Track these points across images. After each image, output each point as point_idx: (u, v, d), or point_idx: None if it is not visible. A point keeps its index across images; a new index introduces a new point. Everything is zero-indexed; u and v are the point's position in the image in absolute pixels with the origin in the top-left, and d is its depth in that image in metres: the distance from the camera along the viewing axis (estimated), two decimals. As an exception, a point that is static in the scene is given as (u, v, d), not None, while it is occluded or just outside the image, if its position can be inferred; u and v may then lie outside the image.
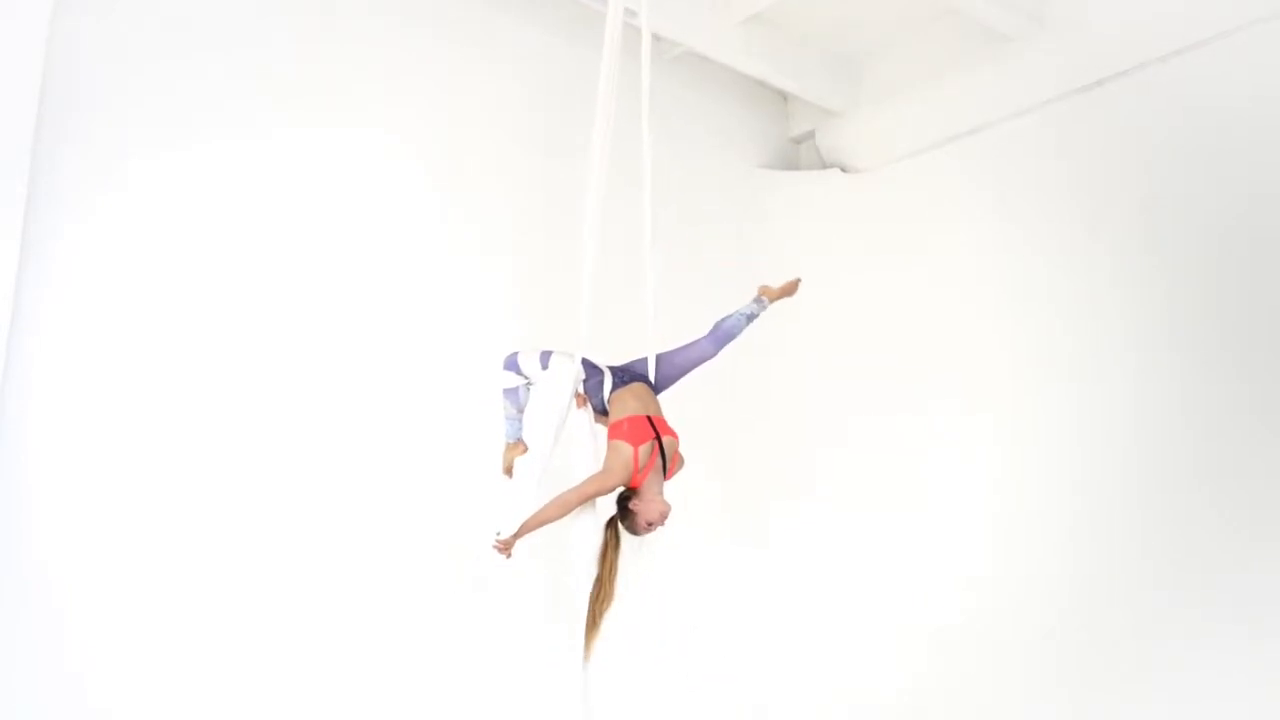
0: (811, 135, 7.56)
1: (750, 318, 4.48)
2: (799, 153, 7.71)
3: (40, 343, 4.62)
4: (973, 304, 6.60)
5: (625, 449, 3.93)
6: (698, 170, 6.96)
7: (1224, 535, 5.33)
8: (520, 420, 4.26)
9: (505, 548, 3.90)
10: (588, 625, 3.95)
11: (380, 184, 5.69)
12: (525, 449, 4.26)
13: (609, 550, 3.99)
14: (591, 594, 3.97)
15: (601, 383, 4.16)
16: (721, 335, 4.40)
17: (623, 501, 3.99)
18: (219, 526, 4.90)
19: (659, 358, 4.31)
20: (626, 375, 4.23)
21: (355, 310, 5.49)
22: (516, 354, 4.22)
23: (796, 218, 7.31)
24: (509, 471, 4.30)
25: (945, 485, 6.47)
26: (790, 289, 4.70)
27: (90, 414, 4.72)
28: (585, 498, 3.93)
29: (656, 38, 6.59)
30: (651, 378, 4.27)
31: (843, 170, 7.39)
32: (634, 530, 3.99)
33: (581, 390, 4.14)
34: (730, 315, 4.45)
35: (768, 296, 4.59)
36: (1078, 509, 5.89)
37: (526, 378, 4.19)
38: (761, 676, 6.59)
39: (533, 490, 3.95)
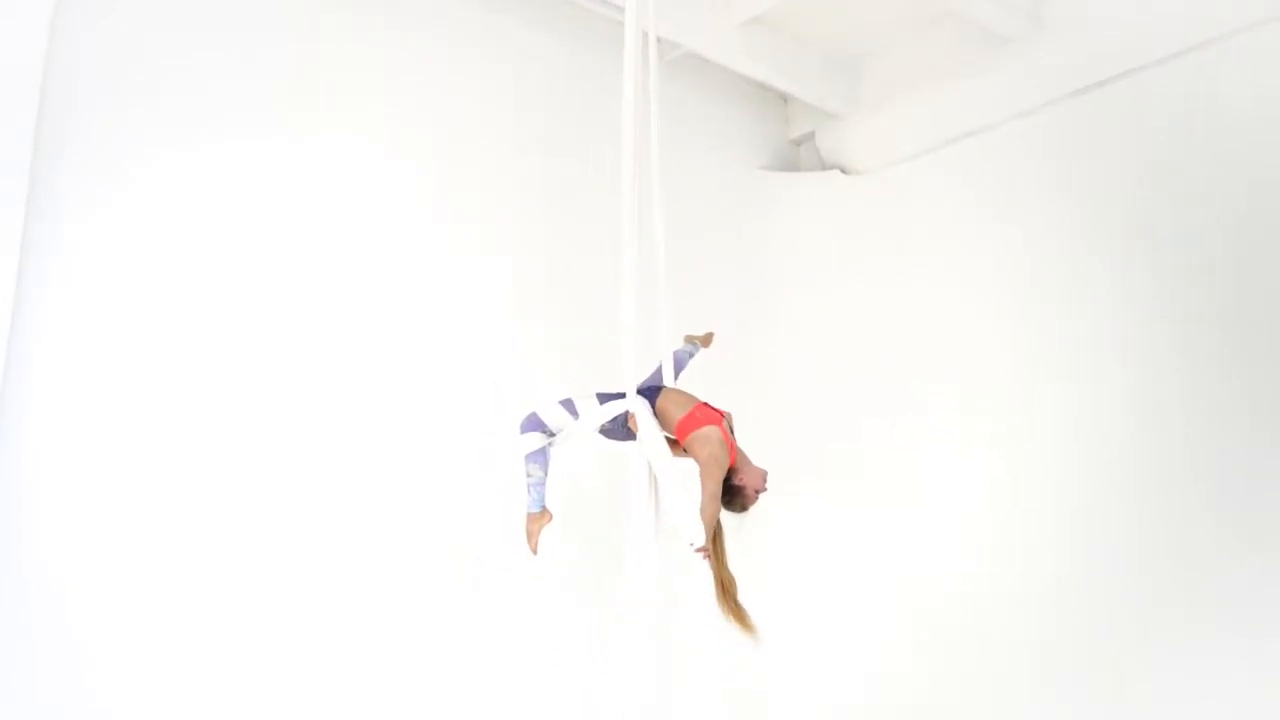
0: (811, 137, 7.57)
1: (691, 355, 4.60)
2: (799, 154, 7.71)
3: (40, 344, 4.61)
4: (972, 304, 6.61)
5: (714, 431, 3.99)
6: (698, 172, 6.96)
7: (1221, 534, 5.33)
8: (545, 485, 4.13)
9: (708, 553, 3.90)
10: (730, 612, 3.94)
11: (380, 185, 5.68)
12: (550, 518, 4.18)
13: (717, 539, 3.99)
14: (716, 588, 3.97)
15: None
16: (675, 361, 4.46)
17: (724, 483, 4.01)
18: (220, 527, 4.90)
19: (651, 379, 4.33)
20: (652, 391, 4.23)
21: (356, 311, 5.49)
22: (533, 412, 4.09)
23: (796, 219, 7.32)
24: (536, 549, 4.18)
25: (943, 484, 6.48)
26: (708, 340, 4.79)
27: (90, 415, 4.71)
28: (719, 485, 3.93)
29: (657, 39, 6.61)
30: (671, 380, 4.32)
31: (843, 172, 7.40)
32: (745, 505, 4.04)
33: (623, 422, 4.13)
34: (679, 348, 4.56)
35: (698, 342, 4.72)
36: (1074, 508, 5.89)
37: (553, 433, 4.08)
38: (759, 674, 6.55)
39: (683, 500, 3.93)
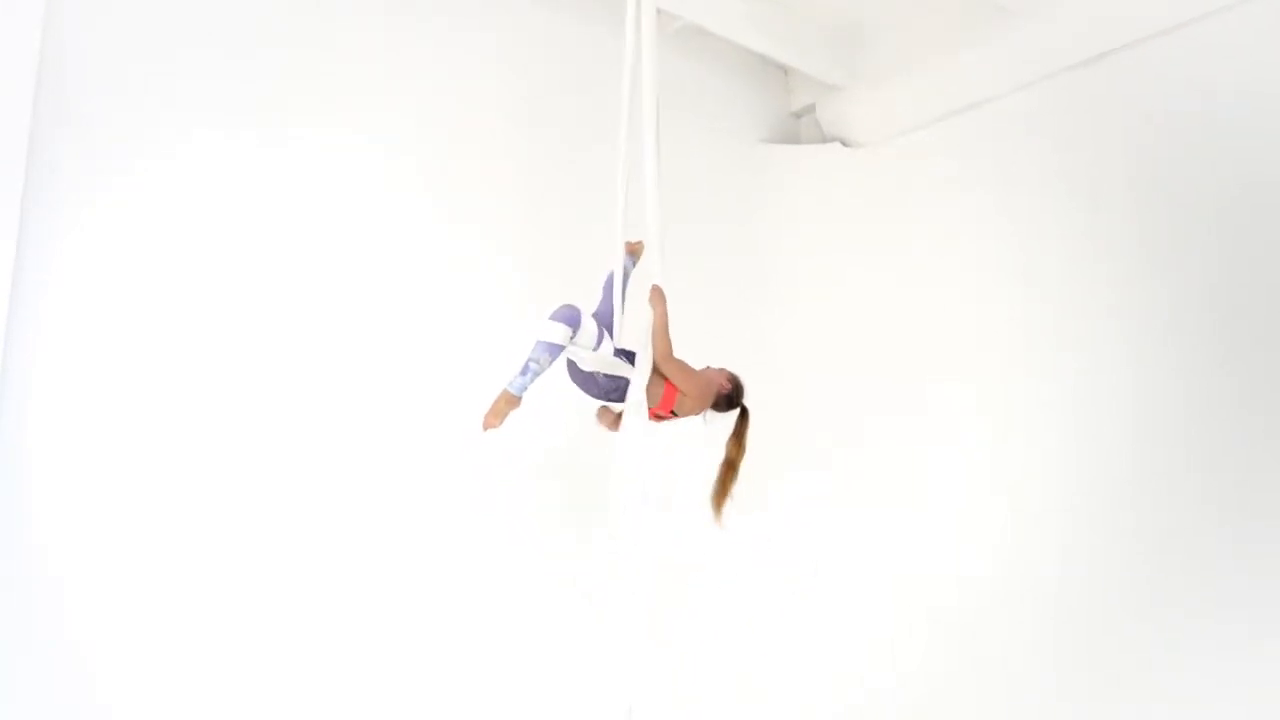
0: (812, 109, 7.54)
1: (628, 271, 4.52)
2: (799, 127, 7.69)
3: (38, 342, 4.58)
4: (972, 278, 6.60)
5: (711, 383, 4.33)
6: (697, 143, 6.92)
7: (1223, 531, 5.30)
8: (536, 379, 4.00)
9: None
10: (719, 494, 4.23)
11: (377, 171, 5.62)
12: (518, 406, 4.03)
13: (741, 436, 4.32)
14: (722, 472, 4.26)
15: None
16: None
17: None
18: (221, 522, 4.88)
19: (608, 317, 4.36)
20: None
21: (356, 304, 5.45)
22: (577, 311, 3.99)
23: (797, 191, 7.30)
24: (495, 425, 4.00)
25: (941, 464, 6.48)
26: (637, 250, 4.64)
27: (89, 412, 4.68)
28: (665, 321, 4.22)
29: (657, 10, 6.56)
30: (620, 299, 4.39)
31: (844, 144, 7.38)
32: (741, 393, 4.42)
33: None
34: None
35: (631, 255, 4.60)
36: (1074, 501, 5.87)
37: (572, 340, 3.96)
38: (758, 669, 6.55)
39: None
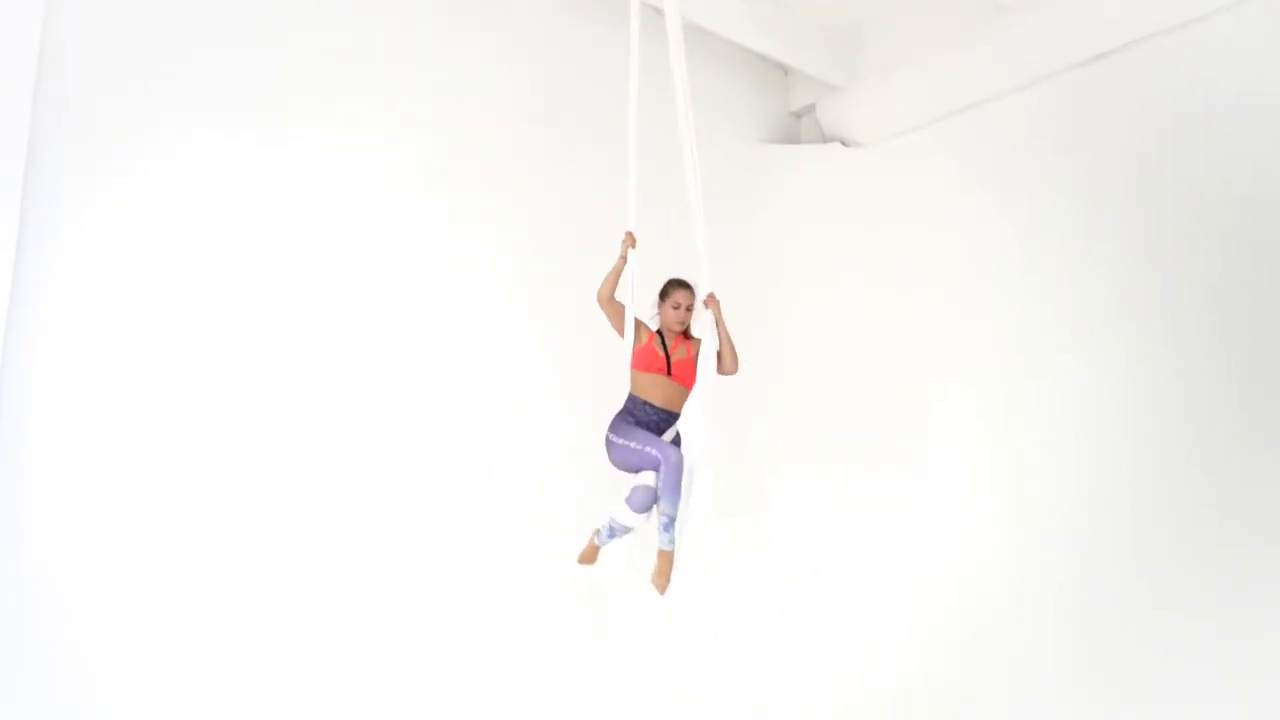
0: (812, 109, 7.55)
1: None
2: (800, 127, 7.69)
3: (38, 342, 4.58)
4: (972, 279, 6.60)
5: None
6: (699, 143, 6.91)
7: (1223, 531, 5.31)
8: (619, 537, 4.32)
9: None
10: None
11: (379, 175, 5.62)
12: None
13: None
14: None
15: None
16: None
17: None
18: (220, 523, 4.88)
19: None
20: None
21: (356, 303, 5.45)
22: (651, 492, 4.12)
23: (797, 191, 7.31)
24: (587, 563, 4.44)
25: (942, 462, 6.48)
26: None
27: (87, 413, 4.68)
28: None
29: (658, 11, 6.56)
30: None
31: (843, 144, 7.38)
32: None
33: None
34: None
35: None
36: (1074, 501, 5.88)
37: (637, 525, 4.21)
38: (758, 669, 6.55)
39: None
